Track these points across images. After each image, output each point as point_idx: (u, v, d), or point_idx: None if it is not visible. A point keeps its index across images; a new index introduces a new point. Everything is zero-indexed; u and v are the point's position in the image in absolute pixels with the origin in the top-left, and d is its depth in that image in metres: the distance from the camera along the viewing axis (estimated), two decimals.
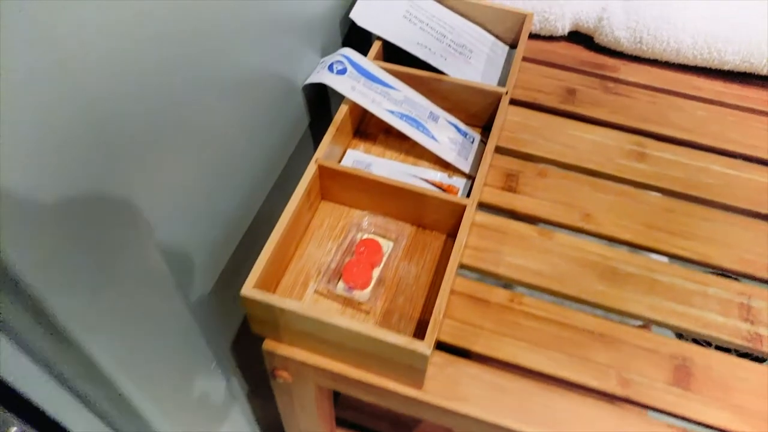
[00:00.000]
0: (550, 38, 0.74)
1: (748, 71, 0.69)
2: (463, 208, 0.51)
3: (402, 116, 0.58)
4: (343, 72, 0.57)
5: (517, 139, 0.64)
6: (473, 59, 0.67)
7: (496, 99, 0.60)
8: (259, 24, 0.48)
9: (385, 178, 0.52)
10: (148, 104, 0.36)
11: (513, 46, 0.70)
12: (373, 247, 0.52)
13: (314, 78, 0.58)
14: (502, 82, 0.66)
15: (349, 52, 0.59)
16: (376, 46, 0.63)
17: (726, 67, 0.69)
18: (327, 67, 0.58)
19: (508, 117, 0.66)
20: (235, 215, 0.53)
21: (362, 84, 0.58)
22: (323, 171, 0.54)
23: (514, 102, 0.68)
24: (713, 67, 0.69)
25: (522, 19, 0.67)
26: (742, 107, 0.69)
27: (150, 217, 0.39)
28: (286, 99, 0.57)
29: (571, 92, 0.69)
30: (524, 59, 0.72)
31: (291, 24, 0.54)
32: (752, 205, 0.60)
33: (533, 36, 0.74)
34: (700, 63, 0.69)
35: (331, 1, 0.62)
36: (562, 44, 0.74)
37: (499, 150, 0.64)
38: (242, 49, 0.46)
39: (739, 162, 0.64)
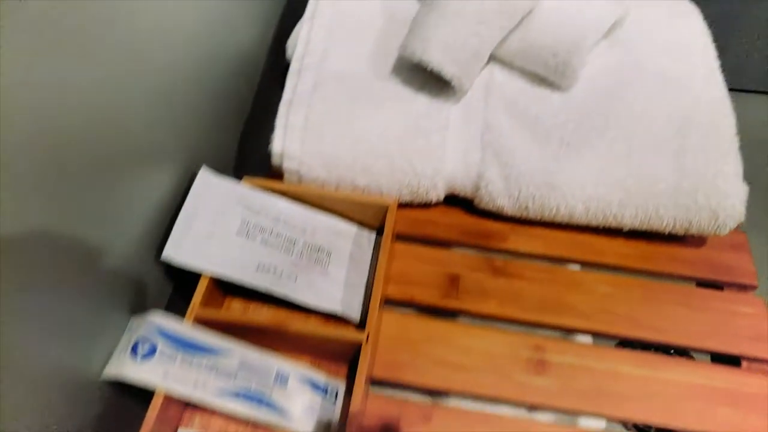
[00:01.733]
0: (427, 204, 0.63)
1: (649, 230, 0.60)
2: None
3: (238, 395, 0.45)
4: (151, 353, 0.44)
5: (395, 364, 0.53)
6: (332, 265, 0.55)
7: (357, 343, 0.49)
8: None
9: None
10: None
11: (381, 230, 0.59)
12: None
13: (111, 370, 0.44)
14: (370, 286, 0.54)
15: (157, 320, 0.46)
16: (203, 285, 0.50)
17: (626, 229, 0.60)
18: (130, 349, 0.45)
19: (381, 328, 0.55)
20: None
21: (179, 363, 0.45)
22: None
23: (388, 301, 0.57)
24: (613, 228, 0.60)
25: (384, 209, 0.56)
26: (649, 272, 0.60)
27: None
28: (79, 394, 0.44)
29: (453, 280, 0.58)
30: (397, 237, 0.61)
31: (81, 277, 0.41)
32: (671, 419, 0.51)
33: (406, 204, 0.63)
34: (597, 225, 0.60)
35: (141, 231, 0.48)
36: (440, 210, 0.63)
37: (375, 382, 0.52)
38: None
39: (652, 356, 0.55)
